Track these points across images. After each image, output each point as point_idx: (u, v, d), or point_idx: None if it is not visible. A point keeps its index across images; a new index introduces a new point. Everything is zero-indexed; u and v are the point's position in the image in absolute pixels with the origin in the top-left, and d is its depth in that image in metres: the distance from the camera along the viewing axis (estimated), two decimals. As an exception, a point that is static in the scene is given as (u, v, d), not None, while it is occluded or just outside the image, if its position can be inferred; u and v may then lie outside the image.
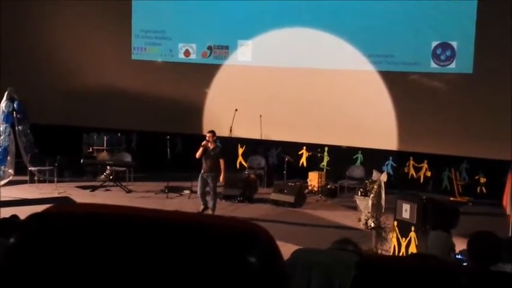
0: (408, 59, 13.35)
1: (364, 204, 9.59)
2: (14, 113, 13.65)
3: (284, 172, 13.56)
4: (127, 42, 15.32)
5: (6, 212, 6.78)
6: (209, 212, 10.82)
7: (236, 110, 14.14)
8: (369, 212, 8.84)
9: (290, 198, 12.12)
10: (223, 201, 12.37)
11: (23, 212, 2.34)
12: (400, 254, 8.35)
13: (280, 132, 14.35)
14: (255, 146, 14.72)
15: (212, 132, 10.93)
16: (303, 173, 13.98)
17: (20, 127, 13.75)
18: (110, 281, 1.23)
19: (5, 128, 13.57)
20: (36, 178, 13.32)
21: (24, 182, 13.31)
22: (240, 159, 14.94)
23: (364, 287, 1.70)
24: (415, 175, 13.59)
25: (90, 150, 14.72)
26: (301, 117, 14.10)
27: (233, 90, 14.68)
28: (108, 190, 13.21)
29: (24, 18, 15.52)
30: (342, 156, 14.07)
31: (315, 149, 14.09)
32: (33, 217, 1.32)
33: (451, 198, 12.82)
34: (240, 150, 14.93)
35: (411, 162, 13.62)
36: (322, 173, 13.70)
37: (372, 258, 2.80)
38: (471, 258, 4.05)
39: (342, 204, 12.44)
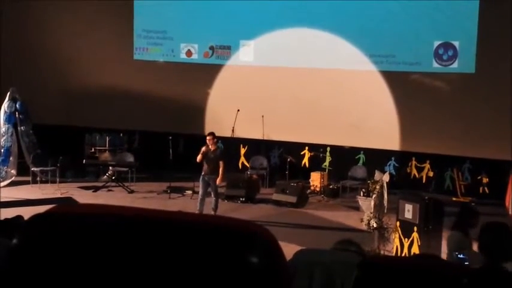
0: (410, 59, 13.35)
1: (367, 204, 9.59)
2: (17, 113, 13.67)
3: (286, 172, 13.56)
4: (129, 43, 15.33)
5: (8, 213, 6.78)
6: (211, 213, 10.81)
7: (238, 110, 14.15)
8: (371, 213, 8.83)
9: (292, 199, 12.11)
10: (226, 201, 12.38)
11: (26, 213, 2.34)
12: (403, 255, 8.34)
13: (282, 133, 14.35)
14: (257, 146, 14.73)
15: (212, 134, 10.87)
16: (305, 173, 13.99)
17: (22, 127, 13.77)
18: (113, 281, 1.23)
19: (8, 129, 13.58)
20: (38, 178, 13.33)
21: (26, 182, 13.32)
22: (242, 159, 14.94)
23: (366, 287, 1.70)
24: (417, 175, 13.59)
25: (93, 150, 14.73)
26: (304, 117, 14.10)
27: (235, 91, 14.69)
28: (111, 190, 13.23)
29: (26, 18, 15.53)
30: (344, 156, 14.08)
31: (317, 149, 14.09)
32: (35, 218, 1.32)
33: (454, 199, 12.81)
34: (242, 151, 14.93)
35: (413, 162, 13.61)
36: (324, 173, 13.70)
37: (374, 259, 2.80)
38: (481, 252, 3.99)
39: (344, 205, 12.44)
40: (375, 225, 8.66)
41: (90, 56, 15.36)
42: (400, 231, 8.61)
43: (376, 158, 13.54)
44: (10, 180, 13.40)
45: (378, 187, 8.88)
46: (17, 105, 13.68)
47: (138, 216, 1.32)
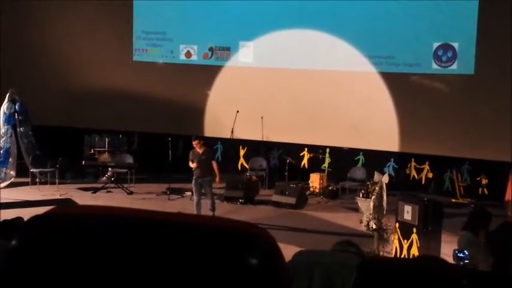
0: (409, 60, 13.34)
1: (366, 205, 9.60)
2: (16, 114, 13.66)
3: (285, 174, 13.56)
4: (128, 44, 15.33)
5: (7, 214, 6.78)
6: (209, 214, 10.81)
7: (237, 111, 14.15)
8: (370, 214, 8.83)
9: (291, 200, 12.11)
10: (225, 202, 12.38)
11: (25, 214, 2.34)
12: (402, 256, 8.35)
13: (282, 134, 14.34)
14: (256, 148, 14.73)
15: (197, 138, 10.78)
16: (304, 175, 13.99)
17: (21, 129, 13.76)
18: (112, 282, 1.23)
19: (7, 130, 13.58)
20: (37, 180, 13.32)
21: (25, 183, 13.31)
22: (242, 160, 14.94)
23: (366, 289, 1.70)
24: (416, 176, 13.58)
25: (92, 151, 14.72)
26: (303, 118, 14.10)
27: (234, 92, 14.68)
28: (110, 192, 13.22)
29: (26, 19, 15.52)
30: (343, 157, 14.08)
31: (316, 150, 14.09)
32: (34, 219, 1.32)
33: (453, 200, 12.82)
34: (242, 152, 14.93)
35: (413, 163, 13.61)
36: (323, 174, 13.69)
37: (373, 260, 2.80)
38: (491, 253, 3.93)
39: (344, 206, 12.43)
40: (374, 227, 8.66)
41: (90, 57, 15.35)
42: (399, 233, 8.61)
43: (376, 159, 13.54)
44: (9, 182, 13.39)
45: (377, 188, 8.88)
46: (16, 107, 13.67)
47: (137, 218, 1.32)
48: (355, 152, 14.01)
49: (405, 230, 8.52)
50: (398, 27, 13.34)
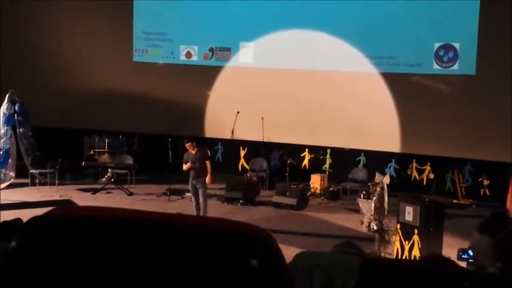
0: (410, 61, 13.34)
1: (367, 206, 9.60)
2: (15, 115, 13.67)
3: (286, 174, 13.56)
4: (128, 44, 15.33)
5: (7, 215, 6.78)
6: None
7: (238, 112, 14.15)
8: (371, 215, 8.83)
9: (292, 201, 12.10)
10: (225, 203, 12.38)
11: (24, 215, 2.33)
12: (403, 257, 8.34)
13: (283, 135, 14.34)
14: (257, 149, 14.73)
15: (190, 141, 10.76)
16: (305, 176, 13.98)
17: (21, 129, 13.77)
18: (112, 283, 1.22)
19: (6, 131, 13.58)
20: (37, 181, 13.32)
21: (25, 184, 13.31)
22: (242, 161, 14.94)
23: (367, 290, 1.69)
24: (418, 177, 13.58)
25: (92, 152, 14.72)
26: (304, 119, 14.09)
27: (235, 92, 14.68)
28: (110, 193, 13.22)
29: (25, 20, 15.53)
30: (344, 158, 14.07)
31: (317, 151, 14.09)
32: (34, 220, 1.32)
33: (455, 201, 12.81)
34: (242, 153, 14.93)
35: (414, 164, 13.61)
36: (324, 175, 13.69)
37: (374, 261, 2.79)
38: (499, 258, 3.85)
39: (345, 207, 12.43)
40: (375, 228, 8.65)
41: (90, 58, 15.36)
42: (400, 234, 8.60)
43: (377, 160, 13.54)
44: (9, 183, 13.39)
45: (378, 189, 8.88)
46: (16, 107, 13.68)
47: (137, 219, 1.31)
48: (356, 152, 14.00)
49: (406, 231, 8.51)
50: (399, 28, 13.34)
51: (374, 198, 8.92)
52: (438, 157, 13.20)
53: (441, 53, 13.14)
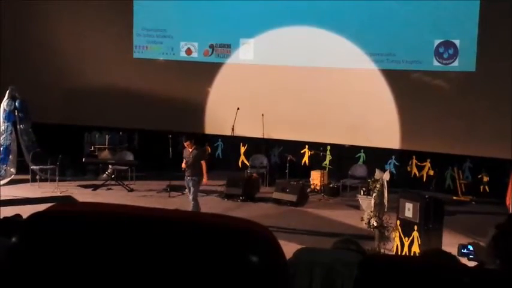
0: (411, 57, 13.33)
1: (367, 203, 9.59)
2: (16, 111, 13.67)
3: (286, 171, 13.55)
4: (128, 41, 15.32)
5: (7, 211, 6.79)
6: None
7: (238, 108, 14.15)
8: (371, 211, 8.83)
9: (292, 197, 12.10)
10: (225, 200, 12.39)
11: (25, 211, 2.33)
12: (403, 253, 8.34)
13: (283, 131, 14.34)
14: (257, 145, 14.73)
15: (188, 139, 10.72)
16: (305, 172, 13.99)
17: (21, 126, 13.77)
18: (112, 279, 1.23)
19: (7, 127, 13.58)
20: (37, 177, 13.33)
21: (25, 181, 13.32)
22: (242, 158, 14.94)
23: (367, 287, 1.69)
24: (417, 174, 13.58)
25: (92, 149, 14.71)
26: (304, 115, 14.09)
27: (235, 89, 14.68)
28: (110, 189, 13.23)
29: (25, 16, 15.52)
30: (344, 155, 14.08)
31: (317, 147, 14.09)
32: (35, 216, 1.32)
33: (454, 197, 12.82)
34: (242, 149, 14.94)
35: (414, 161, 13.61)
36: (324, 171, 13.69)
37: (374, 258, 2.80)
38: (498, 256, 3.76)
39: (345, 203, 12.43)
40: (375, 224, 8.66)
41: (90, 54, 15.35)
42: (400, 230, 8.61)
43: (377, 156, 13.53)
44: (9, 179, 13.40)
45: (378, 186, 8.88)
46: (16, 104, 13.68)
47: (137, 215, 1.31)
48: (356, 149, 14.01)
49: (406, 228, 8.52)
50: (399, 24, 13.32)
51: (374, 194, 8.91)
52: (438, 154, 13.21)
53: (441, 50, 13.13)
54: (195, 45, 15.00)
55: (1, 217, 4.85)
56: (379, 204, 8.80)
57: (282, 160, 14.28)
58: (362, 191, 11.19)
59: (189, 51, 15.06)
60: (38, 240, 1.28)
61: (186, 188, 10.90)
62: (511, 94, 12.22)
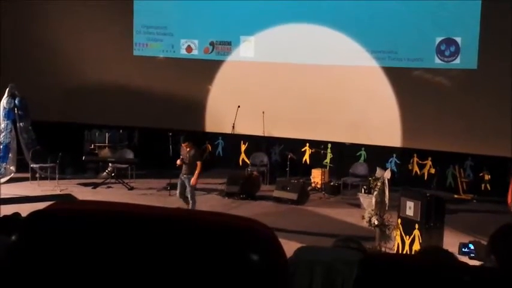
0: (412, 55, 13.32)
1: (368, 201, 9.60)
2: (16, 109, 13.68)
3: (287, 169, 13.55)
4: (128, 38, 15.33)
5: (7, 210, 6.79)
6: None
7: (239, 106, 14.16)
8: (372, 210, 8.83)
9: (293, 196, 12.11)
10: (226, 198, 12.40)
11: (25, 210, 2.33)
12: (404, 252, 8.34)
13: (283, 129, 14.35)
14: (257, 143, 14.73)
15: (186, 141, 10.72)
16: (306, 170, 13.99)
17: (21, 124, 13.78)
18: (112, 278, 1.22)
19: (7, 125, 13.59)
20: (37, 175, 13.34)
21: (25, 179, 13.33)
22: (243, 156, 14.95)
23: (367, 285, 1.69)
24: (419, 172, 13.58)
25: (92, 147, 14.72)
26: (304, 113, 14.09)
27: (236, 87, 14.68)
28: (110, 187, 13.24)
29: (25, 14, 15.52)
30: (345, 153, 14.08)
31: (318, 145, 14.09)
32: (34, 214, 1.31)
33: (456, 196, 12.82)
34: (243, 147, 14.94)
35: (415, 159, 13.61)
36: (325, 170, 13.70)
37: (375, 256, 2.79)
38: (497, 257, 3.72)
39: (345, 202, 12.44)
40: (376, 223, 8.66)
41: (90, 52, 15.35)
42: (401, 229, 8.61)
43: (378, 154, 13.53)
44: (9, 177, 13.41)
45: (379, 184, 8.88)
46: (16, 102, 13.68)
47: (137, 213, 1.31)
48: (357, 147, 14.01)
49: (407, 226, 8.52)
50: (400, 22, 13.32)
51: (375, 193, 8.91)
52: (439, 152, 13.21)
53: (443, 47, 13.12)
54: (195, 42, 15.01)
55: (1, 215, 4.86)
56: (380, 203, 8.80)
57: (283, 158, 14.28)
58: (363, 189, 11.21)
59: (189, 49, 15.06)
60: (38, 239, 1.28)
61: (178, 184, 10.82)
62: (512, 92, 12.22)
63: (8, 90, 13.63)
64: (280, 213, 11.34)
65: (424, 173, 13.55)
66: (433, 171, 13.45)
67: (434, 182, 13.36)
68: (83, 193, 12.43)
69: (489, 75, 12.63)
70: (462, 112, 12.97)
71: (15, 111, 13.68)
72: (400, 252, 8.42)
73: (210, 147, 15.19)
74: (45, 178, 13.37)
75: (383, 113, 13.59)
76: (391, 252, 8.40)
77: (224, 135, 14.95)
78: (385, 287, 1.66)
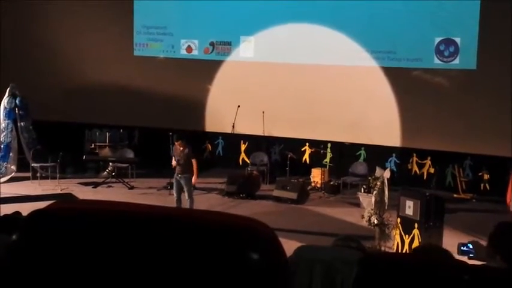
0: (411, 55, 13.32)
1: (367, 200, 9.60)
2: (16, 109, 13.67)
3: (287, 168, 13.54)
4: (129, 39, 15.32)
5: (8, 209, 6.78)
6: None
7: (239, 106, 14.15)
8: (372, 209, 8.83)
9: (293, 195, 12.10)
10: (226, 197, 12.39)
11: (25, 209, 2.33)
12: (404, 251, 8.34)
13: (283, 129, 14.34)
14: (257, 143, 14.72)
15: (179, 139, 10.67)
16: (305, 170, 13.98)
17: (22, 123, 13.77)
18: (112, 277, 1.23)
19: (7, 124, 13.58)
20: (38, 174, 13.32)
21: (26, 178, 13.32)
22: (243, 155, 14.94)
23: (366, 284, 1.70)
24: (418, 172, 13.58)
25: (93, 146, 14.71)
26: (304, 113, 14.08)
27: (235, 87, 14.67)
28: (111, 186, 13.23)
29: (26, 14, 15.51)
30: (345, 152, 14.07)
31: (317, 145, 14.08)
32: (35, 214, 1.32)
33: (455, 195, 12.81)
34: (243, 147, 14.93)
35: (414, 158, 13.60)
36: (325, 169, 13.69)
37: (374, 255, 2.80)
38: (502, 257, 3.66)
39: (345, 201, 12.43)
40: (375, 222, 8.65)
41: (90, 52, 15.34)
42: (400, 228, 8.61)
43: (377, 154, 13.53)
44: (10, 176, 13.40)
45: (378, 183, 8.88)
46: (17, 101, 13.67)
47: (138, 213, 1.31)
48: (356, 147, 14.00)
49: (407, 225, 8.52)
50: (400, 22, 13.31)
51: (374, 192, 8.91)
52: (438, 151, 13.20)
53: (442, 48, 13.11)
54: (195, 42, 15.00)
55: (1, 214, 4.86)
56: (379, 202, 8.79)
57: (283, 158, 14.27)
58: (362, 189, 11.20)
59: (189, 49, 15.06)
60: (38, 238, 1.28)
61: (174, 187, 10.78)
62: (511, 92, 12.21)
63: (9, 90, 13.62)
64: (280, 213, 11.33)
65: (423, 173, 13.54)
66: (432, 170, 13.45)
67: (434, 182, 13.35)
68: (84, 192, 12.42)
69: (488, 76, 12.63)
70: (461, 112, 12.97)
71: (16, 111, 13.67)
72: (399, 251, 8.42)
73: (210, 147, 15.18)
74: (46, 177, 13.36)
75: (382, 113, 13.59)
76: (391, 251, 8.40)
77: (224, 135, 14.94)
78: (385, 285, 1.66)
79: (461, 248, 8.71)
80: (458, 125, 12.96)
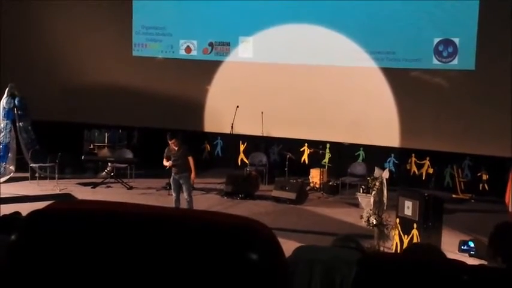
0: (410, 56, 13.33)
1: (366, 201, 9.59)
2: (15, 109, 13.66)
3: (286, 169, 13.54)
4: (128, 39, 15.32)
5: (7, 209, 6.78)
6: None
7: (237, 106, 14.15)
8: (370, 209, 8.83)
9: (291, 195, 12.10)
10: (225, 198, 12.39)
11: (24, 209, 2.34)
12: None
13: (282, 129, 14.34)
14: (256, 143, 14.73)
15: (174, 137, 10.64)
16: (304, 170, 13.98)
17: (21, 124, 13.76)
18: (111, 278, 1.22)
19: (6, 125, 13.58)
20: (37, 175, 13.32)
21: (25, 178, 13.32)
22: (242, 155, 14.94)
23: (366, 284, 1.70)
24: (417, 172, 13.58)
25: (91, 146, 14.72)
26: (303, 113, 14.09)
27: (234, 87, 14.68)
28: (110, 187, 13.23)
29: (25, 15, 15.51)
30: (343, 153, 14.08)
31: (316, 145, 14.09)
32: (34, 214, 1.31)
33: (454, 195, 12.82)
34: (242, 147, 14.93)
35: (413, 159, 13.61)
36: (323, 169, 13.69)
37: (373, 256, 2.80)
38: (503, 259, 3.61)
39: (344, 201, 12.43)
40: (374, 222, 8.66)
41: (89, 52, 15.34)
42: (399, 228, 8.62)
43: (376, 154, 13.53)
44: (9, 177, 13.39)
45: (377, 184, 8.88)
46: (16, 101, 13.67)
47: (137, 213, 1.31)
48: (355, 147, 14.01)
49: (406, 226, 8.53)
50: (398, 23, 13.32)
51: (373, 192, 8.91)
52: (437, 152, 13.21)
53: (441, 48, 13.12)
54: (194, 43, 15.00)
55: (0, 215, 4.86)
56: (378, 202, 8.80)
57: (281, 158, 14.28)
58: (361, 189, 11.19)
59: (188, 49, 15.06)
60: (37, 238, 1.27)
61: (172, 187, 10.76)
62: (510, 92, 12.22)
63: (8, 90, 13.61)
64: (279, 213, 11.33)
65: (422, 173, 13.55)
66: (431, 171, 13.45)
67: (433, 182, 13.36)
68: (82, 193, 12.42)
69: (487, 76, 12.64)
70: (460, 112, 12.98)
71: (15, 111, 13.67)
72: (398, 251, 8.42)
73: (209, 147, 15.18)
74: (45, 178, 13.37)
75: (381, 113, 13.60)
76: (390, 251, 8.40)
77: (223, 135, 14.94)
78: (384, 285, 1.67)
79: (462, 246, 8.72)
80: (457, 125, 12.97)
